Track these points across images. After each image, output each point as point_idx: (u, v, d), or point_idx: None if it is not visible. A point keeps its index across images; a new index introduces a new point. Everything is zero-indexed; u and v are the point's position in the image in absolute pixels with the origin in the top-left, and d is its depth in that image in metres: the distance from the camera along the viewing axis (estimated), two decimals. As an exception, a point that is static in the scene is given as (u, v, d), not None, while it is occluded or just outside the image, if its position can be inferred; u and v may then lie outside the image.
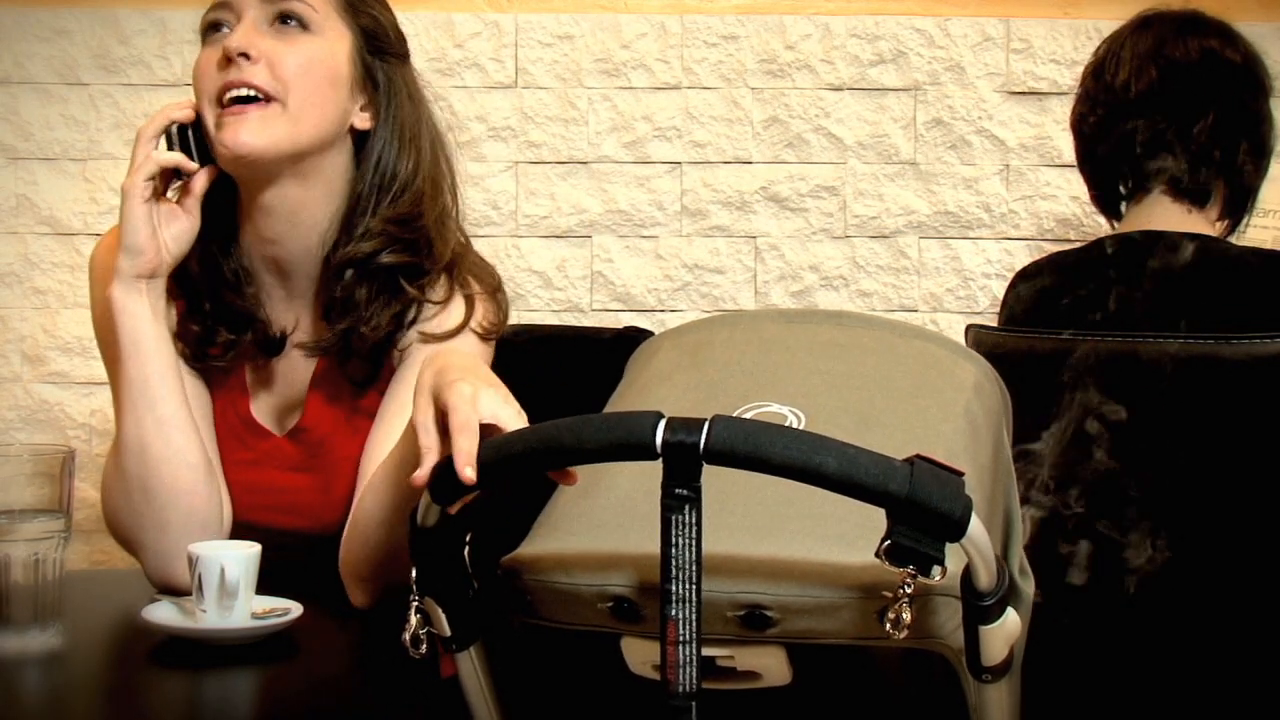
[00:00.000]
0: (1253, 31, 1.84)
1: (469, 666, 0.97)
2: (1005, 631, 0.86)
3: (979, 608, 0.85)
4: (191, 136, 1.44)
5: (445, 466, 0.94)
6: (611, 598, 0.89)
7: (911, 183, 2.29)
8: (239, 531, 1.49)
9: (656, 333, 1.31)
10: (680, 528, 0.82)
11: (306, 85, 1.44)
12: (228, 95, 1.42)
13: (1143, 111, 1.77)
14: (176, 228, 1.44)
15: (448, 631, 0.95)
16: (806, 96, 2.28)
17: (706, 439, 0.81)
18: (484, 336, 1.50)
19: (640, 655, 0.91)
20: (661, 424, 0.82)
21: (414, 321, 1.49)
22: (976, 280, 2.30)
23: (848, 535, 0.87)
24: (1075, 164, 1.92)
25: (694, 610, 0.82)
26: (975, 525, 0.82)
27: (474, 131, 2.26)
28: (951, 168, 2.29)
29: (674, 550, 0.82)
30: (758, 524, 0.90)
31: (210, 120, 1.43)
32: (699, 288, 2.29)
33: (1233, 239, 1.85)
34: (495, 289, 1.53)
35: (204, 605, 1.25)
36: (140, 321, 1.43)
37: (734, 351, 1.08)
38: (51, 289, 2.24)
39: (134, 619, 1.29)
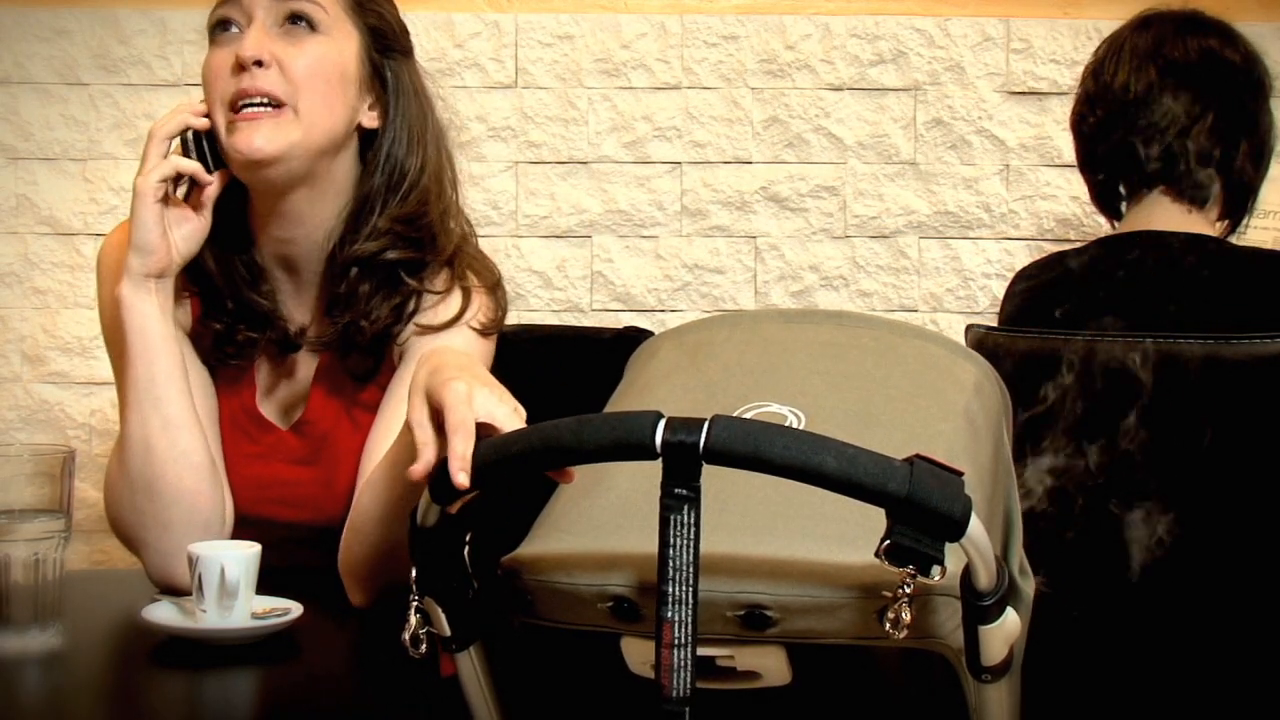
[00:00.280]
0: (1253, 31, 1.84)
1: (469, 666, 0.97)
2: (1005, 631, 0.86)
3: (979, 608, 0.85)
4: (206, 144, 1.45)
5: (444, 467, 0.94)
6: (611, 598, 0.89)
7: (911, 183, 2.29)
8: (243, 525, 1.49)
9: (656, 333, 1.31)
10: (679, 528, 0.82)
11: (317, 89, 1.44)
12: (240, 102, 1.42)
13: (1142, 112, 1.77)
14: (187, 228, 1.44)
15: (448, 631, 0.95)
16: (806, 96, 2.28)
17: (706, 439, 0.81)
18: (483, 332, 1.50)
19: (640, 655, 0.91)
20: (661, 424, 0.82)
21: (414, 313, 1.49)
22: (976, 280, 2.30)
23: (848, 535, 0.87)
24: (1075, 164, 1.92)
25: (690, 612, 0.82)
26: (975, 525, 0.82)
27: (474, 131, 2.26)
28: (951, 168, 2.29)
29: (672, 551, 0.82)
30: (758, 524, 0.90)
31: (222, 125, 1.43)
32: (699, 288, 2.29)
33: (1233, 239, 1.85)
34: (494, 284, 1.54)
35: (204, 605, 1.25)
36: (149, 320, 1.43)
37: (734, 351, 1.08)
38: (51, 289, 2.25)
39: (134, 619, 1.29)
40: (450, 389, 1.07)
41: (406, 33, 1.56)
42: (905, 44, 2.28)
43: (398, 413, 1.41)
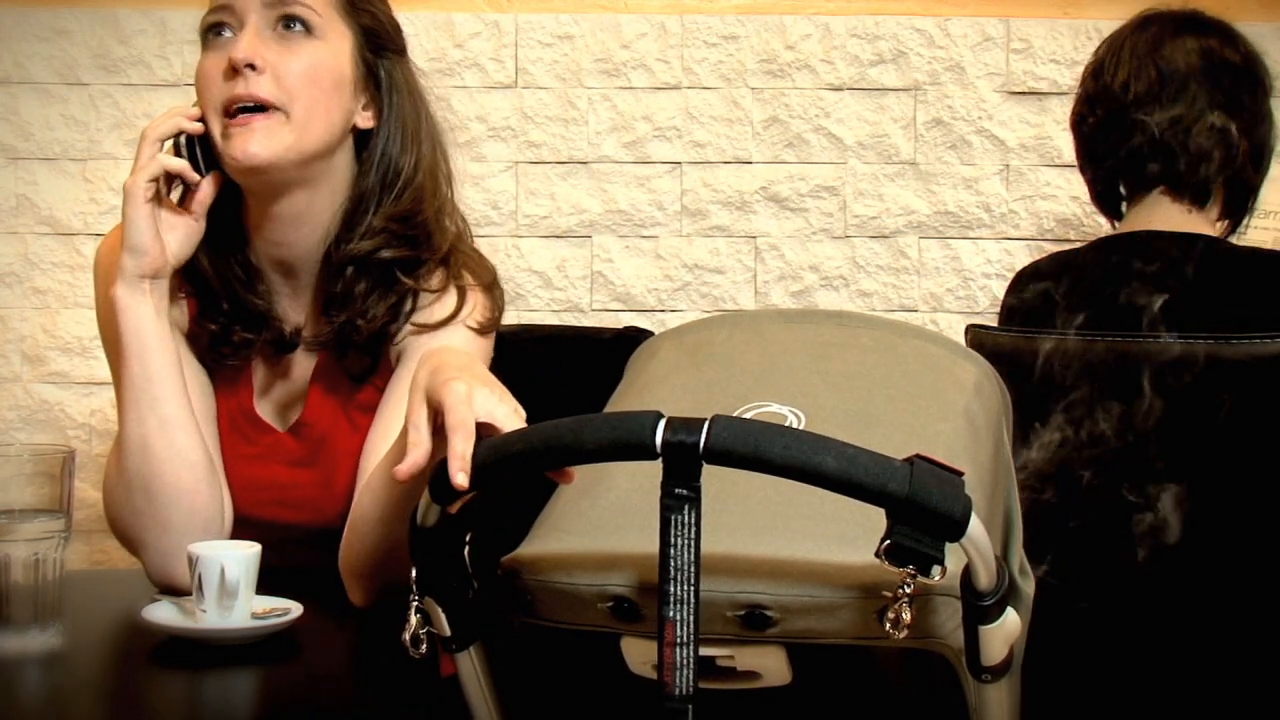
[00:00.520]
0: (1253, 31, 1.84)
1: (469, 666, 0.97)
2: (1005, 631, 0.86)
3: (979, 608, 0.85)
4: (199, 147, 1.45)
5: (443, 467, 0.94)
6: (611, 598, 0.89)
7: (911, 183, 2.29)
8: (242, 526, 1.49)
9: (656, 333, 1.31)
10: (679, 528, 0.82)
11: (312, 94, 1.44)
12: (235, 107, 1.42)
13: (1142, 111, 1.77)
14: (181, 231, 1.45)
15: (448, 631, 0.95)
16: (806, 96, 2.28)
17: (706, 439, 0.81)
18: (480, 331, 1.50)
19: (640, 655, 0.91)
20: (661, 424, 0.82)
21: (410, 313, 1.49)
22: (976, 280, 2.30)
23: (848, 535, 0.87)
24: (1075, 164, 1.92)
25: (692, 611, 0.82)
26: (975, 525, 0.82)
27: (474, 131, 2.26)
28: (951, 168, 2.29)
29: (673, 550, 0.82)
30: (758, 524, 0.90)
31: (216, 130, 1.43)
32: (699, 288, 2.29)
33: (1233, 239, 1.85)
34: (490, 283, 1.54)
35: (204, 605, 1.25)
36: (143, 321, 1.43)
37: (734, 351, 1.08)
38: (51, 289, 2.25)
39: (134, 619, 1.29)
40: (450, 389, 1.07)
41: (400, 31, 1.56)
42: (905, 44, 2.28)
43: (396, 413, 1.41)
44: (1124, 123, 1.78)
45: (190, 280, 1.51)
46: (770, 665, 0.90)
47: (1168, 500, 1.48)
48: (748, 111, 2.28)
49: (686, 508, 0.82)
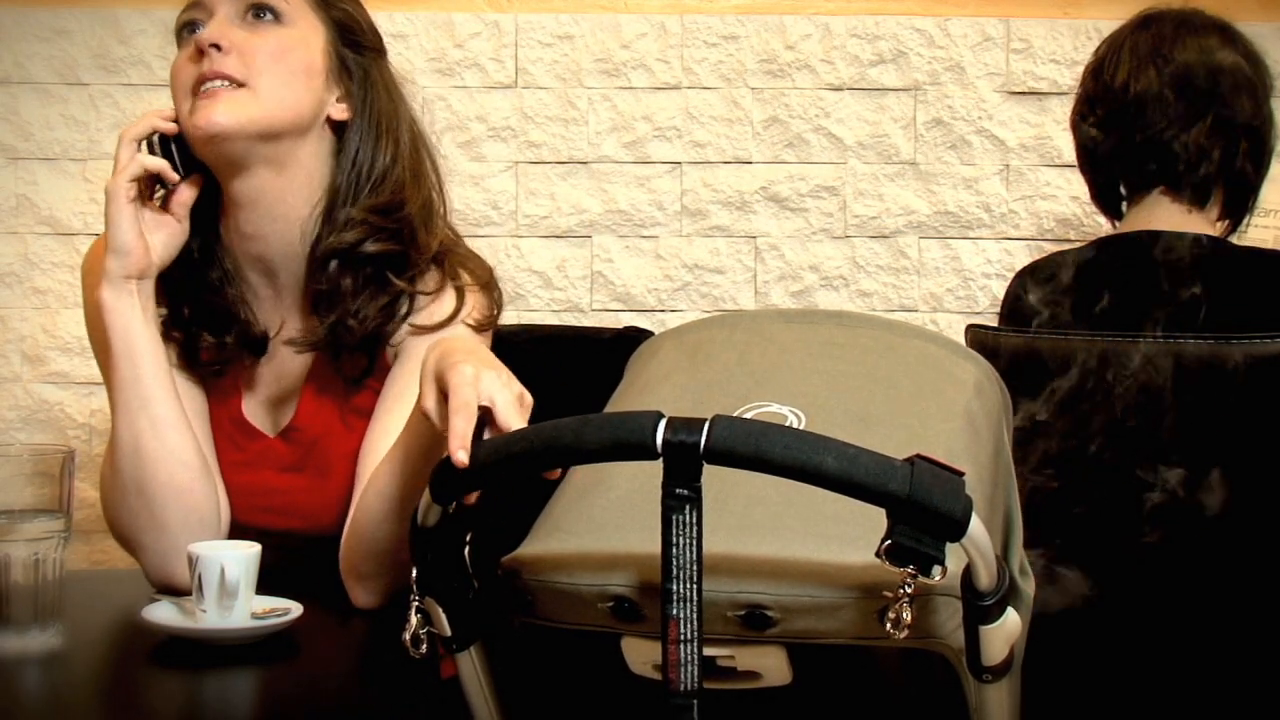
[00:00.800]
0: (1253, 31, 1.84)
1: (469, 666, 0.97)
2: (1005, 631, 0.86)
3: (979, 608, 0.85)
4: (174, 147, 1.45)
5: (444, 465, 0.94)
6: (612, 597, 0.89)
7: (911, 183, 2.29)
8: (236, 533, 1.49)
9: (656, 333, 1.31)
10: (681, 527, 0.82)
11: (278, 71, 1.44)
12: (202, 86, 1.42)
13: (1141, 111, 1.77)
14: (165, 233, 1.45)
15: (448, 631, 0.95)
16: (806, 96, 2.28)
17: (707, 439, 0.81)
18: (478, 329, 1.50)
19: (641, 655, 0.91)
20: (662, 424, 0.82)
21: (407, 315, 1.49)
22: (976, 280, 2.30)
23: (848, 535, 0.87)
24: (1075, 164, 1.92)
25: (695, 609, 0.82)
26: (975, 525, 0.82)
27: (474, 131, 2.26)
28: (951, 168, 2.29)
29: (674, 550, 0.82)
30: (758, 524, 0.90)
31: (184, 111, 1.44)
32: (699, 288, 2.29)
33: (1233, 239, 1.85)
34: (487, 281, 1.53)
35: (204, 605, 1.25)
36: (131, 322, 1.43)
37: (734, 351, 1.08)
38: (51, 289, 2.25)
39: (134, 619, 1.29)
40: (458, 370, 1.09)
41: (377, 34, 1.57)
42: (905, 44, 2.28)
43: (394, 413, 1.41)
44: (1124, 123, 1.78)
45: (161, 288, 1.51)
46: (770, 665, 0.90)
47: (1171, 485, 1.48)
48: (748, 111, 2.28)
49: (687, 507, 0.82)
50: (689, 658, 0.83)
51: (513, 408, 1.10)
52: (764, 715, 0.95)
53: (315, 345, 1.48)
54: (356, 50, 1.52)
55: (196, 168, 1.46)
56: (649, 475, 0.83)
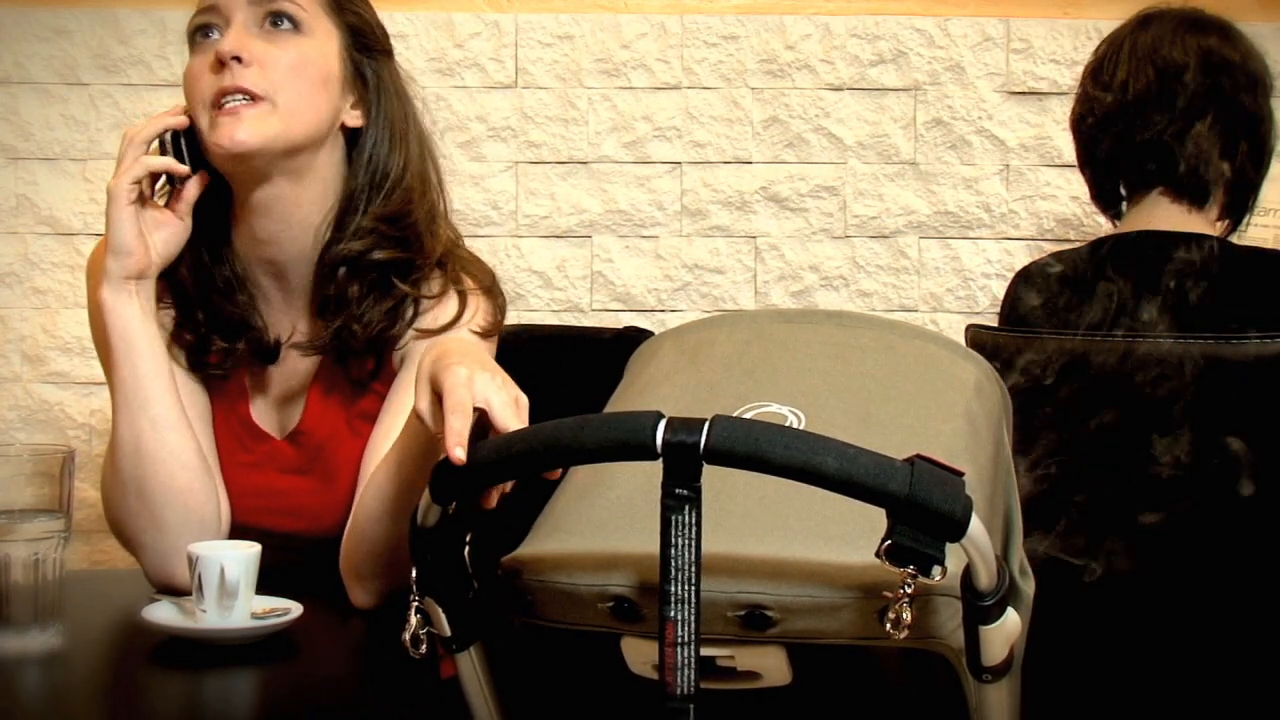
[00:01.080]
0: (1253, 31, 1.84)
1: (469, 666, 0.97)
2: (1005, 631, 0.86)
3: (979, 608, 0.85)
4: (184, 143, 1.45)
5: (444, 465, 0.94)
6: (611, 598, 0.89)
7: (911, 183, 2.29)
8: (240, 535, 1.49)
9: (656, 333, 1.31)
10: (680, 528, 0.82)
11: (298, 85, 1.44)
12: (224, 100, 1.42)
13: (1141, 111, 1.77)
14: (167, 231, 1.45)
15: (448, 631, 0.95)
16: (806, 96, 2.28)
17: (707, 439, 0.81)
18: (483, 335, 1.50)
19: (640, 655, 0.91)
20: (662, 424, 0.82)
21: (412, 319, 1.49)
22: (976, 280, 2.30)
23: (848, 535, 0.87)
24: (1075, 164, 1.92)
25: (693, 611, 0.82)
26: (975, 525, 0.82)
27: (474, 131, 2.26)
28: (951, 168, 2.29)
29: (673, 550, 0.82)
30: (758, 524, 0.90)
31: (204, 123, 1.43)
32: (699, 288, 2.29)
33: (1233, 238, 1.85)
34: (489, 286, 1.53)
35: (204, 605, 1.25)
36: (130, 322, 1.43)
37: (734, 351, 1.08)
38: (51, 289, 2.25)
39: (134, 619, 1.29)
40: (451, 372, 1.09)
41: (386, 34, 1.56)
42: (905, 44, 2.28)
43: (397, 416, 1.41)
44: (1123, 123, 1.78)
45: (172, 291, 1.51)
46: (770, 665, 0.90)
47: (1165, 503, 1.48)
48: (748, 111, 2.28)
49: (687, 508, 0.82)
50: (686, 660, 0.82)
51: (509, 409, 1.10)
52: (764, 715, 0.95)
53: (320, 349, 1.48)
54: (369, 54, 1.52)
55: (202, 164, 1.46)
56: (649, 475, 0.83)
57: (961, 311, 2.29)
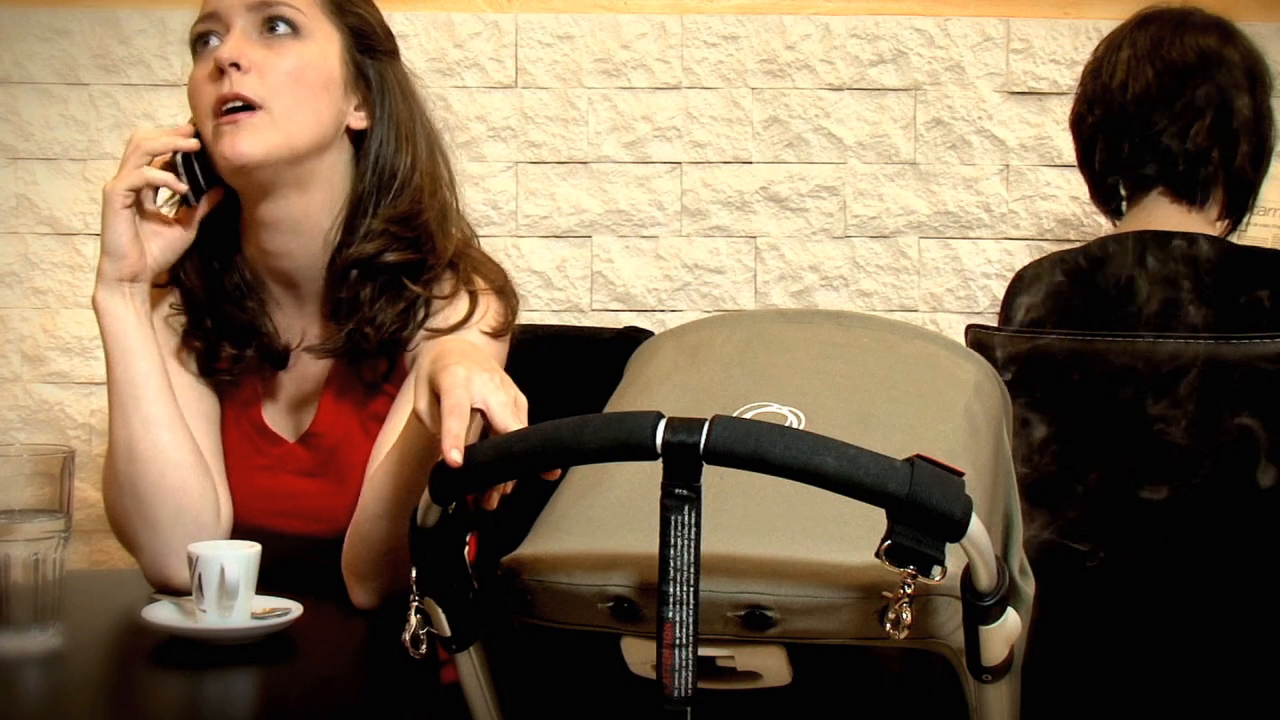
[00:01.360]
0: (1253, 31, 1.84)
1: (469, 666, 0.97)
2: (1005, 631, 0.86)
3: (979, 608, 0.85)
4: (196, 165, 1.44)
5: (443, 465, 0.94)
6: (611, 598, 0.89)
7: (911, 183, 2.29)
8: (254, 537, 1.49)
9: (656, 333, 1.31)
10: (679, 528, 0.82)
11: (298, 91, 1.43)
12: (222, 107, 1.41)
13: (1140, 111, 1.76)
14: (166, 239, 1.45)
15: (448, 631, 0.95)
16: (806, 96, 2.28)
17: (706, 439, 0.81)
18: (494, 335, 1.49)
19: (640, 655, 0.91)
20: (661, 424, 0.82)
21: (424, 320, 1.48)
22: (976, 280, 2.30)
23: (848, 535, 0.87)
24: (1075, 164, 1.92)
25: (691, 612, 0.82)
26: (975, 525, 0.82)
27: (474, 131, 2.26)
28: (951, 168, 2.29)
29: (673, 551, 0.82)
30: (758, 524, 0.90)
31: (209, 133, 1.43)
32: (699, 288, 2.29)
33: (1233, 238, 1.85)
34: (501, 286, 1.53)
35: (204, 605, 1.25)
36: (124, 324, 1.43)
37: (734, 351, 1.08)
38: (51, 289, 2.24)
39: (134, 619, 1.29)
40: (449, 373, 1.09)
41: (390, 35, 1.56)
42: (905, 44, 2.28)
43: (405, 417, 1.41)
44: (1123, 122, 1.78)
45: (181, 296, 1.51)
46: (770, 665, 0.90)
47: (1164, 502, 1.48)
48: (748, 111, 2.28)
49: (687, 508, 0.82)
50: (684, 662, 0.82)
51: (508, 409, 1.10)
52: (764, 715, 0.95)
53: (333, 352, 1.48)
54: (372, 55, 1.51)
55: (216, 182, 1.46)
56: (649, 475, 0.83)
57: (961, 311, 2.29)
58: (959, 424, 1.00)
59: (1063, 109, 2.12)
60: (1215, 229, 1.80)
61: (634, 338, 1.75)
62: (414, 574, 0.95)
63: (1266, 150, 1.81)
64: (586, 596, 0.90)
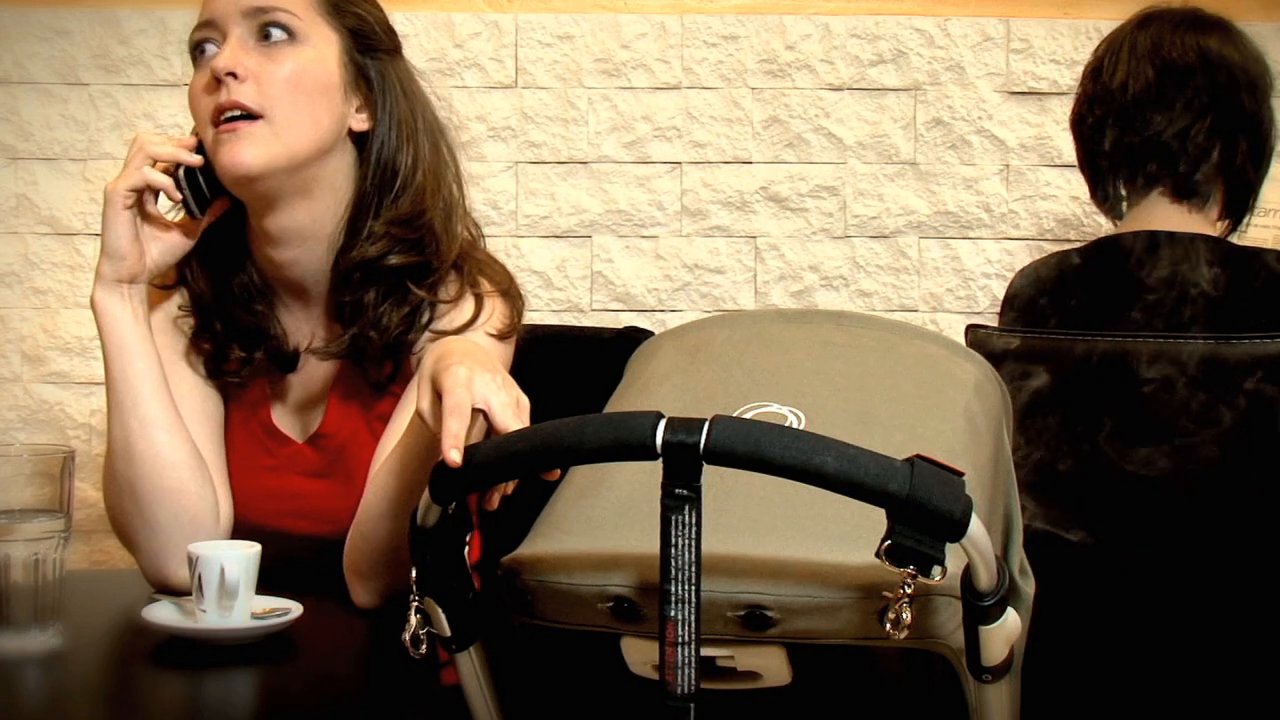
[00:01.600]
0: (1253, 31, 1.84)
1: (469, 666, 0.97)
2: (1005, 631, 0.86)
3: (979, 608, 0.85)
4: (200, 177, 1.44)
5: (444, 465, 0.94)
6: (611, 598, 0.89)
7: (911, 183, 2.29)
8: (260, 538, 1.49)
9: (656, 333, 1.31)
10: (680, 528, 0.82)
11: (296, 99, 1.43)
12: (221, 116, 1.41)
13: (1141, 111, 1.76)
14: (168, 240, 1.45)
15: (448, 631, 0.95)
16: (806, 96, 2.28)
17: (706, 439, 0.81)
18: (498, 337, 1.49)
19: (640, 655, 0.91)
20: (662, 424, 0.82)
21: (429, 323, 1.48)
22: (976, 280, 2.30)
23: (848, 535, 0.87)
24: (1075, 164, 1.91)
25: (693, 611, 0.82)
26: (975, 525, 0.82)
27: (474, 131, 2.26)
28: (951, 168, 2.29)
29: (673, 550, 0.82)
30: (758, 524, 0.90)
31: (209, 143, 1.43)
32: (699, 288, 2.29)
33: (1233, 238, 1.85)
34: (506, 288, 1.52)
35: (204, 605, 1.25)
36: (121, 325, 1.43)
37: (734, 351, 1.08)
38: (51, 289, 2.25)
39: (134, 619, 1.29)
40: (451, 374, 1.09)
41: (392, 32, 1.55)
42: (905, 44, 2.28)
43: (409, 417, 1.41)
44: (1123, 123, 1.78)
45: (190, 299, 1.51)
46: (770, 665, 0.90)
47: (1163, 503, 1.48)
48: (748, 111, 2.28)
49: (687, 508, 0.82)
50: (686, 660, 0.83)
51: (509, 410, 1.10)
52: (764, 715, 0.95)
53: (338, 354, 1.48)
54: (372, 55, 1.51)
55: (220, 191, 1.46)
56: (649, 475, 0.83)
57: (961, 311, 2.29)
58: (959, 424, 1.00)
59: (1063, 109, 2.12)
60: (1215, 229, 1.80)
61: (634, 338, 1.75)
62: (414, 574, 0.95)
63: (1267, 150, 1.81)
64: (587, 596, 0.90)
